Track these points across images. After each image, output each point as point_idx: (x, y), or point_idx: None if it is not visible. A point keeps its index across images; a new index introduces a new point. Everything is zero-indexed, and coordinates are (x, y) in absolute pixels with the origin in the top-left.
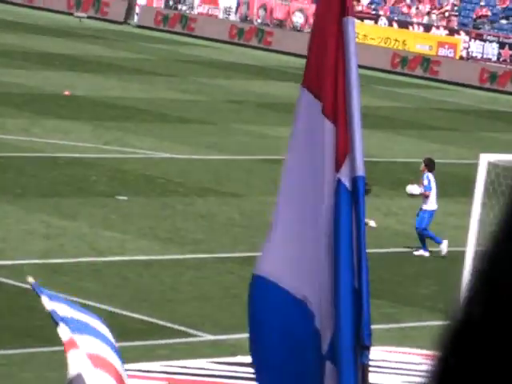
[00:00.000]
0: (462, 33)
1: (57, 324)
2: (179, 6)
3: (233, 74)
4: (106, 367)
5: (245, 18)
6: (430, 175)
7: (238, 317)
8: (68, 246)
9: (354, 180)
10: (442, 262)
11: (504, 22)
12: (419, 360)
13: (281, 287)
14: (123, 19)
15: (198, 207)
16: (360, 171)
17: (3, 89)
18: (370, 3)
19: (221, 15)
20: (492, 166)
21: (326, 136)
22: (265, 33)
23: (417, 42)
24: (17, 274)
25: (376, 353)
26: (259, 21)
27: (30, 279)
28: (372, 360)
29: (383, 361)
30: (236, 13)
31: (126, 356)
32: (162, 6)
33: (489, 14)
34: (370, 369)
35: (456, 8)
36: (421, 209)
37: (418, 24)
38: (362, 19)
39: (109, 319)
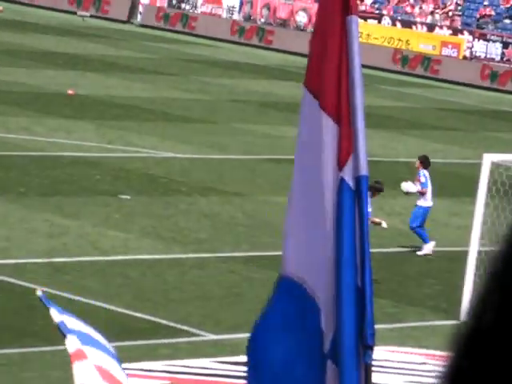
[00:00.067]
0: (465, 32)
1: (64, 336)
2: (182, 5)
3: (236, 73)
4: (113, 382)
5: (248, 18)
6: (426, 172)
7: (241, 316)
8: (71, 245)
9: (358, 179)
10: (444, 262)
11: (508, 21)
12: (422, 360)
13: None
14: (126, 18)
15: (200, 206)
16: (363, 171)
17: (6, 87)
18: (374, 3)
19: (224, 14)
20: (495, 166)
21: (326, 133)
22: (265, 31)
23: (420, 42)
24: (19, 273)
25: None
26: (262, 20)
27: (39, 292)
28: (375, 360)
29: (386, 360)
30: (239, 12)
31: (128, 355)
32: (166, 5)
33: (492, 13)
34: (373, 368)
35: (459, 8)
36: (415, 205)
37: (422, 24)
38: (365, 19)
39: (111, 318)
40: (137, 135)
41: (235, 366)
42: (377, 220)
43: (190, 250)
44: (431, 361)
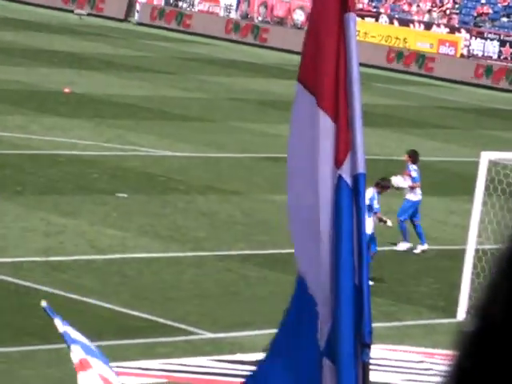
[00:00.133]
0: (462, 31)
1: (68, 346)
2: (180, 4)
3: (233, 71)
4: None
5: (245, 16)
6: (415, 166)
7: (238, 315)
8: (68, 244)
9: (356, 177)
10: (442, 260)
11: (505, 19)
12: (419, 358)
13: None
14: (124, 17)
15: (198, 205)
16: (361, 168)
17: (2, 86)
18: (371, 1)
19: (222, 13)
20: (493, 164)
21: (323, 131)
22: (260, 29)
23: (417, 40)
24: (16, 272)
25: (376, 351)
26: (260, 18)
27: (44, 303)
28: (372, 358)
29: (383, 359)
30: (237, 10)
31: (125, 354)
32: (163, 3)
33: (490, 11)
34: (371, 367)
35: (457, 6)
36: (404, 199)
37: (419, 22)
38: (362, 17)
39: (109, 317)
40: (134, 133)
41: (232, 364)
42: (383, 218)
43: (187, 248)
44: (429, 359)
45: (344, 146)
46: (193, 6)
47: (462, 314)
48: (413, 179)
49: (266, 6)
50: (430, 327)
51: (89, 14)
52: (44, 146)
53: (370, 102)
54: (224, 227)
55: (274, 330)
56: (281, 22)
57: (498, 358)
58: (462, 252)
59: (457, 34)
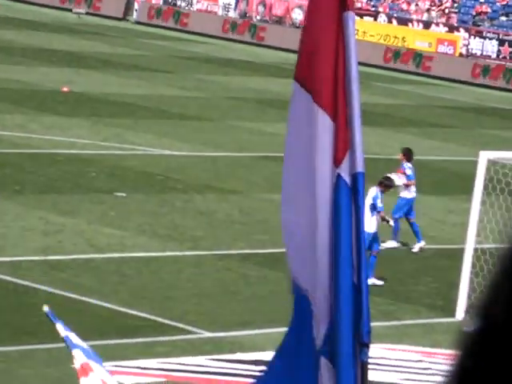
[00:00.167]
0: (461, 30)
1: (70, 351)
2: (178, 3)
3: (231, 70)
4: None
5: (244, 15)
6: (410, 164)
7: (237, 314)
8: (66, 243)
9: (354, 176)
10: (441, 260)
11: (504, 18)
12: (418, 357)
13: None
14: (122, 15)
15: (197, 204)
16: (360, 167)
17: (2, 85)
18: (370, 0)
19: (220, 12)
20: (491, 163)
21: (322, 130)
22: (257, 28)
23: (416, 39)
24: (15, 271)
25: (375, 350)
26: (258, 17)
27: (45, 308)
28: (371, 357)
29: (382, 358)
30: (235, 9)
31: (124, 353)
32: (161, 2)
33: (488, 10)
34: (369, 366)
35: (456, 5)
36: (399, 197)
37: (418, 21)
38: (361, 16)
39: (107, 316)
40: (133, 132)
41: (231, 363)
42: (386, 217)
43: (186, 247)
44: (427, 358)
45: (343, 145)
46: (191, 4)
47: (460, 313)
48: (407, 177)
49: (264, 5)
50: (428, 326)
51: (87, 13)
52: (43, 145)
53: (369, 101)
54: (222, 226)
55: (274, 330)
56: (279, 20)
57: (499, 357)
58: (461, 251)
59: (455, 33)
